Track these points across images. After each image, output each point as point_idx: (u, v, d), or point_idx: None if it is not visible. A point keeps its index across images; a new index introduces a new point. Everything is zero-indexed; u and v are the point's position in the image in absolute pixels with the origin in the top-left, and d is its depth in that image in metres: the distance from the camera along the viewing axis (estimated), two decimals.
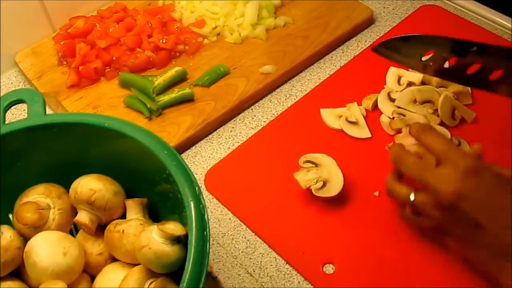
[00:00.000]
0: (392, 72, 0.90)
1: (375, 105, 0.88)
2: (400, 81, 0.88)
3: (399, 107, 0.85)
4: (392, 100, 0.86)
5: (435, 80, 0.87)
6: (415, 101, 0.85)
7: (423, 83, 0.87)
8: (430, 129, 0.68)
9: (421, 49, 0.73)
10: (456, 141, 0.82)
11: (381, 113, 0.87)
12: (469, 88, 0.88)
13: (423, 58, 0.74)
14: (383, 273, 0.72)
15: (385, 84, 0.90)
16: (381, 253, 0.73)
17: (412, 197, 0.67)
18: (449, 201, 0.62)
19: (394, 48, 0.74)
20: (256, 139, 0.87)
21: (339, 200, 0.78)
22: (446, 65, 0.73)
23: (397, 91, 0.87)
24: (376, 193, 0.79)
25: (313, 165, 0.78)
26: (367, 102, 0.88)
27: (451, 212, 0.63)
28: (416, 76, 0.87)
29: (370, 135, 0.85)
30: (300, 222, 0.77)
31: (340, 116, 0.87)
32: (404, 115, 0.84)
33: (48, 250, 0.61)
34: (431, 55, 0.73)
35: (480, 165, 0.63)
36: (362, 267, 0.72)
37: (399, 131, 0.84)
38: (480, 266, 0.67)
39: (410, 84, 0.87)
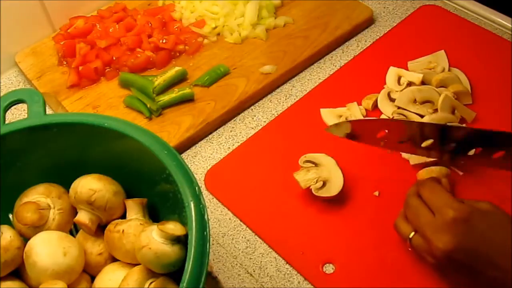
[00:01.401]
0: (392, 72, 0.90)
1: (375, 105, 0.88)
2: (400, 81, 0.88)
3: (399, 107, 0.85)
4: (392, 100, 0.86)
5: (435, 80, 0.87)
6: (415, 101, 0.85)
7: (423, 83, 0.87)
8: (428, 183, 0.69)
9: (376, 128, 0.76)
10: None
11: (381, 113, 0.87)
12: (469, 88, 0.88)
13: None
14: (383, 273, 0.72)
15: (385, 84, 0.90)
16: (381, 253, 0.73)
17: (411, 235, 0.68)
18: (442, 256, 0.63)
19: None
20: (256, 139, 0.87)
21: (339, 200, 0.78)
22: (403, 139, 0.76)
23: (397, 91, 0.87)
24: (376, 193, 0.79)
25: (313, 165, 0.78)
26: (367, 102, 0.88)
27: (445, 262, 0.64)
28: (416, 76, 0.87)
29: None
30: (300, 222, 0.77)
31: (340, 116, 0.87)
32: (404, 115, 0.84)
33: (48, 250, 0.61)
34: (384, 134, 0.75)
35: (468, 210, 0.64)
36: (362, 267, 0.72)
37: None
38: None
39: (410, 84, 0.87)
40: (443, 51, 0.92)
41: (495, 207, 0.66)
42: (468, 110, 0.85)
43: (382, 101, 0.87)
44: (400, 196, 0.73)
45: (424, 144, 0.75)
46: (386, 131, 0.75)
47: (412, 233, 0.67)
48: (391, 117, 0.85)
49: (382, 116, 0.86)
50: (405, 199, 0.70)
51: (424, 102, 0.84)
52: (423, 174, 0.76)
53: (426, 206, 0.67)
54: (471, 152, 0.75)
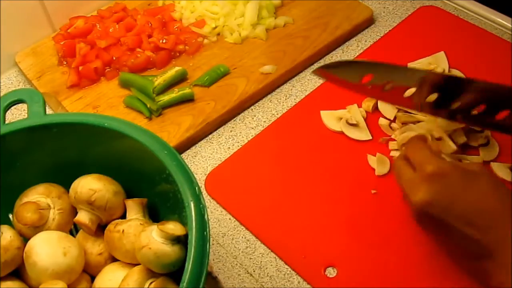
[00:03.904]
0: None
1: (375, 107, 0.87)
2: None
3: (399, 109, 0.85)
4: None
5: None
6: None
7: None
8: (412, 140, 0.70)
9: (361, 72, 0.74)
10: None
11: (382, 115, 0.87)
12: None
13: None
14: (386, 276, 0.72)
15: None
16: (383, 256, 0.73)
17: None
18: (418, 209, 0.63)
19: (335, 70, 0.76)
20: (255, 142, 0.86)
21: (341, 203, 0.78)
22: (387, 87, 0.74)
23: None
24: (373, 191, 0.79)
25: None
26: (367, 104, 0.88)
27: (423, 217, 0.64)
28: None
29: (370, 137, 0.85)
30: (302, 226, 0.77)
31: (340, 118, 0.87)
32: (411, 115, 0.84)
33: (48, 250, 0.61)
34: (370, 79, 0.74)
35: (446, 167, 0.63)
36: (365, 270, 0.72)
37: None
38: (469, 268, 0.68)
39: None
40: (443, 52, 0.92)
41: (484, 170, 0.65)
42: None
43: (382, 103, 0.87)
44: (399, 194, 0.73)
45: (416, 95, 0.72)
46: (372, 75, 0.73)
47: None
48: (391, 119, 0.85)
49: (380, 120, 0.86)
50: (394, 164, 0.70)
51: None
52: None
53: (409, 165, 0.67)
54: (474, 112, 0.72)
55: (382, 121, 0.86)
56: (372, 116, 0.87)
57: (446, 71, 0.90)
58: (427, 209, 0.62)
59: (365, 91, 0.76)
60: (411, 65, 0.92)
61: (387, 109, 0.86)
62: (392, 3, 1.06)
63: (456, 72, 0.90)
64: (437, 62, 0.91)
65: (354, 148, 0.84)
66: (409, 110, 0.84)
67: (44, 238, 0.63)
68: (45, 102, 0.69)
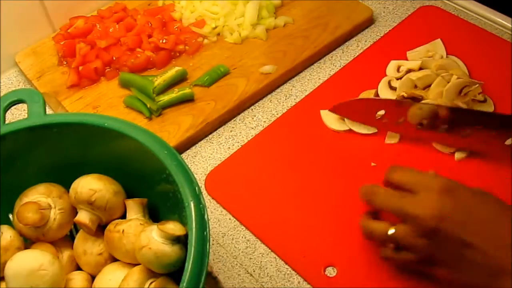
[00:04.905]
0: (392, 64, 0.90)
1: None
2: (400, 69, 0.89)
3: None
4: (393, 88, 0.86)
5: (434, 66, 0.87)
6: (415, 87, 0.85)
7: (422, 69, 0.88)
8: (396, 167, 0.68)
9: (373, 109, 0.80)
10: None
11: None
12: (466, 71, 0.88)
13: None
14: (386, 276, 0.71)
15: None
16: None
17: (391, 231, 0.65)
18: (431, 225, 0.61)
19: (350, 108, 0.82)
20: (255, 142, 0.87)
21: (341, 203, 0.78)
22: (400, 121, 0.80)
23: (397, 79, 0.87)
24: None
25: None
26: None
27: (435, 237, 0.61)
28: (414, 62, 0.87)
29: (376, 130, 0.85)
30: (302, 226, 0.77)
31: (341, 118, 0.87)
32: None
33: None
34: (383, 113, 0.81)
35: (453, 183, 0.63)
36: (365, 269, 0.72)
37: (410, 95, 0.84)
38: None
39: (409, 71, 0.87)
40: (439, 39, 0.93)
41: (485, 191, 0.64)
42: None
43: (382, 90, 0.87)
44: None
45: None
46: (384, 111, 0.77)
47: (392, 228, 0.64)
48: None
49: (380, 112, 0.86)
50: (365, 193, 0.69)
51: (425, 87, 0.84)
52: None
53: (398, 191, 0.65)
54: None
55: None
56: None
57: (444, 57, 0.90)
58: (441, 225, 0.60)
59: (381, 125, 0.83)
60: (410, 53, 0.93)
61: (388, 97, 0.87)
62: (392, 3, 1.06)
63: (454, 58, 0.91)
64: (435, 49, 0.91)
65: (354, 148, 0.84)
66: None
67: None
68: (45, 102, 0.69)
